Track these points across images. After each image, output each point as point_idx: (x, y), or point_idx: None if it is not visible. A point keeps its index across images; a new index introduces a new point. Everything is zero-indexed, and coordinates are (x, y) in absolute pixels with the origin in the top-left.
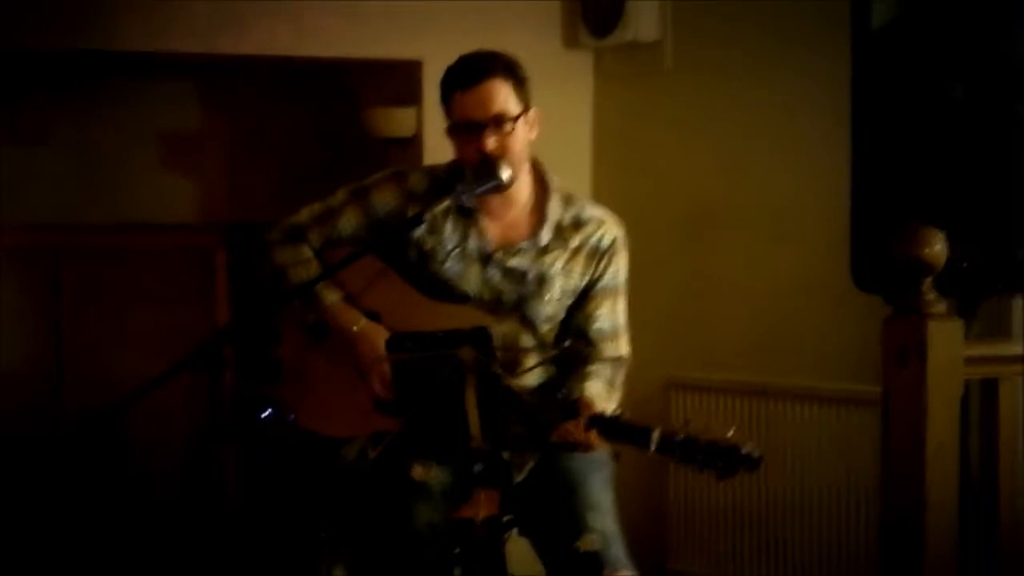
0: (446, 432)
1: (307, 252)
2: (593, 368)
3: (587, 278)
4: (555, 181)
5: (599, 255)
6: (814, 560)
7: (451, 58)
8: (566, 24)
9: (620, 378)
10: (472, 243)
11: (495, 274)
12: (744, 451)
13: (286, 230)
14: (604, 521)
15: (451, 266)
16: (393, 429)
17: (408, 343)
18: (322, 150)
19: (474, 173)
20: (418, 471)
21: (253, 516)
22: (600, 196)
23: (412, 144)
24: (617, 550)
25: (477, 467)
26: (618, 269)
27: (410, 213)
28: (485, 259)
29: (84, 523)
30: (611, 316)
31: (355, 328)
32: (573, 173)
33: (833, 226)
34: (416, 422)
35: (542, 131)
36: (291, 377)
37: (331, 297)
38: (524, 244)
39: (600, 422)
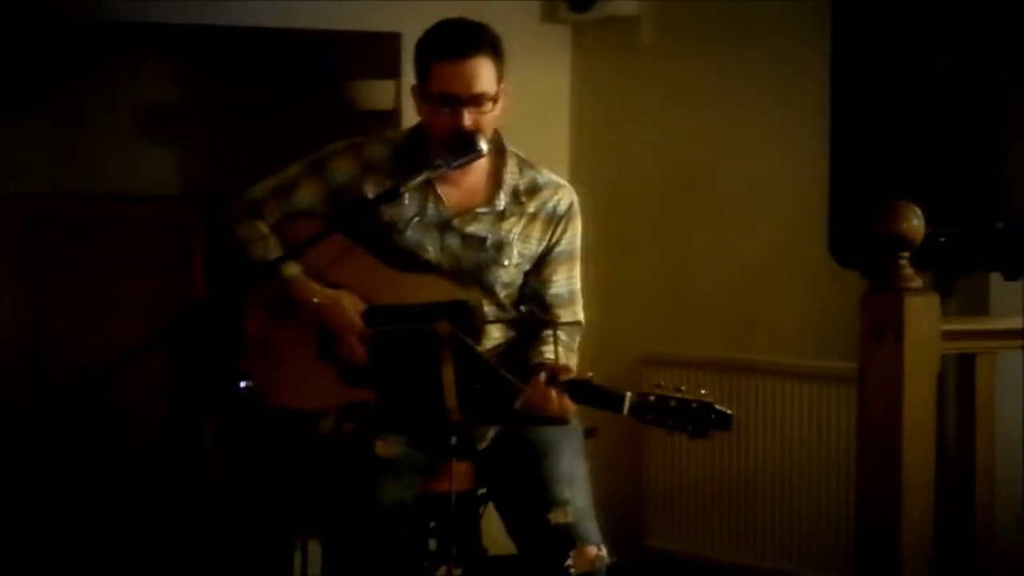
0: (421, 405)
1: (263, 228)
2: (551, 333)
3: (544, 244)
4: (510, 146)
5: (555, 221)
6: (791, 536)
7: None
8: None
9: (576, 343)
10: (431, 210)
11: (454, 241)
12: (717, 408)
13: (243, 206)
14: (576, 494)
15: (411, 235)
16: (364, 400)
17: (384, 316)
18: (301, 122)
19: (452, 146)
20: (381, 447)
21: (231, 489)
22: (578, 171)
23: (390, 117)
24: (589, 524)
25: (453, 440)
26: (574, 235)
27: (367, 183)
28: (443, 226)
29: (63, 494)
30: (567, 282)
31: (315, 300)
32: (551, 147)
33: (811, 201)
34: (391, 395)
35: (520, 105)
36: (257, 352)
37: (290, 270)
38: (482, 209)
39: (573, 387)
